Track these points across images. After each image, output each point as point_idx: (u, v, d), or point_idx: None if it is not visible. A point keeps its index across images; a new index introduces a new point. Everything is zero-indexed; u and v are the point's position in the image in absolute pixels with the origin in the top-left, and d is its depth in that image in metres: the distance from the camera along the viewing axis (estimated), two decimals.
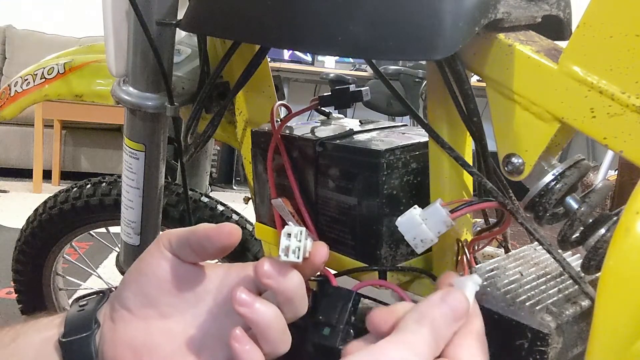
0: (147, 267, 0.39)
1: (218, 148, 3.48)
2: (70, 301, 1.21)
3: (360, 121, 0.65)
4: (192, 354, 0.38)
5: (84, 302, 0.41)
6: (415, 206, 0.43)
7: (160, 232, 0.41)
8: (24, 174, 3.21)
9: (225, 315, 0.39)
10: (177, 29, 0.64)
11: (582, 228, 0.43)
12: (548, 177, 0.43)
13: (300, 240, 0.35)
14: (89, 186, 1.01)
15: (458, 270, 0.50)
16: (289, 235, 0.35)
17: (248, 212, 0.87)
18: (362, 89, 0.60)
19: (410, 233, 0.42)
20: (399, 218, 0.43)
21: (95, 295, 0.42)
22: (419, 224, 0.42)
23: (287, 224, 0.57)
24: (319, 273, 0.45)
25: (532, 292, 0.44)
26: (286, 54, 4.02)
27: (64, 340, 0.38)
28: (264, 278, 0.35)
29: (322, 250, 0.37)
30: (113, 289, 0.41)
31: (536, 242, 0.48)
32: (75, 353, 0.38)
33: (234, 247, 0.38)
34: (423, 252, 0.45)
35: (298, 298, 0.36)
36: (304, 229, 0.35)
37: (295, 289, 0.36)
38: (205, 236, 0.38)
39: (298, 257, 0.34)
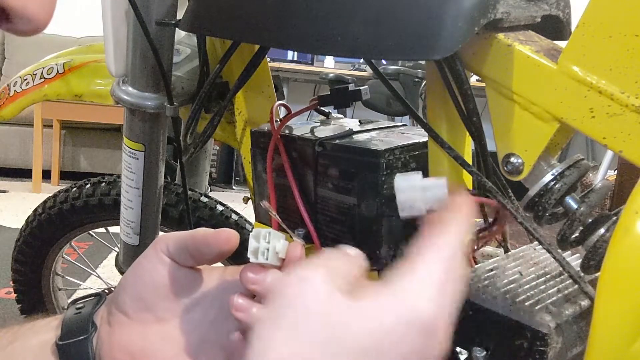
0: (144, 272, 0.39)
1: (217, 148, 3.48)
2: (69, 301, 1.21)
3: (359, 121, 0.65)
4: (189, 359, 0.38)
5: (81, 305, 0.41)
6: (420, 172, 0.41)
7: (158, 236, 0.40)
8: (24, 173, 3.21)
9: (223, 319, 0.38)
10: (177, 29, 0.64)
11: (581, 228, 0.43)
12: (547, 177, 0.43)
13: (269, 242, 0.35)
14: (88, 186, 1.01)
15: None
16: (257, 237, 0.35)
17: (248, 212, 0.87)
18: (361, 88, 0.60)
19: (405, 194, 0.40)
20: (399, 174, 0.41)
21: (91, 298, 0.42)
22: (416, 189, 0.39)
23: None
24: None
25: (532, 292, 0.44)
26: (285, 53, 4.01)
27: (61, 343, 0.38)
28: (248, 284, 0.35)
29: (295, 250, 0.37)
30: (112, 289, 0.41)
31: (536, 242, 0.48)
32: (72, 356, 0.38)
33: (232, 252, 0.38)
34: None
35: None
36: (271, 230, 0.35)
37: None
38: (204, 241, 0.38)
39: (267, 258, 0.35)
